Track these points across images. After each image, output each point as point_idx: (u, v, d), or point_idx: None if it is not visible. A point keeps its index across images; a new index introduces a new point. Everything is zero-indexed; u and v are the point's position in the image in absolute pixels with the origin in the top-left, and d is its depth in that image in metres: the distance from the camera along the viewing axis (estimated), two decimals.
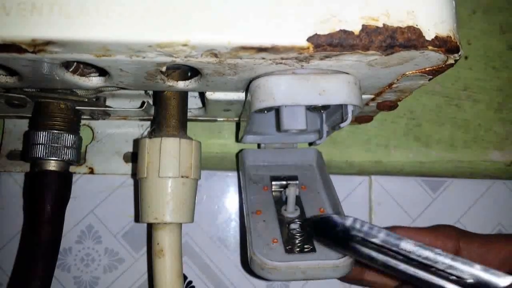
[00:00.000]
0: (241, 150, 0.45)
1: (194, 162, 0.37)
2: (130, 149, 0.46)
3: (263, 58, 0.27)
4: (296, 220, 0.37)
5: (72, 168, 0.41)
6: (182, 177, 0.36)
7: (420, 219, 0.49)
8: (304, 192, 0.42)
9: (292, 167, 0.45)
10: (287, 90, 0.30)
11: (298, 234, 0.36)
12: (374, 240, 0.28)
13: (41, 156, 0.37)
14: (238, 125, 0.49)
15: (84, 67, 0.32)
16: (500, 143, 0.52)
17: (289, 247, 0.35)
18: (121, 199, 0.46)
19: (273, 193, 0.42)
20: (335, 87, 0.30)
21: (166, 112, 0.37)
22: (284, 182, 0.42)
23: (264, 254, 0.33)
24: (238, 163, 0.46)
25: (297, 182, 0.42)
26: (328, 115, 0.39)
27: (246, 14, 0.25)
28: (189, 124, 0.39)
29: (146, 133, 0.47)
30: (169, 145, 0.36)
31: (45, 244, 0.36)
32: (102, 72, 0.31)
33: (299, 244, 0.35)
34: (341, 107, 0.33)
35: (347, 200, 0.49)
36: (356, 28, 0.26)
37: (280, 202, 0.41)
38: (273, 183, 0.42)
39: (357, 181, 0.49)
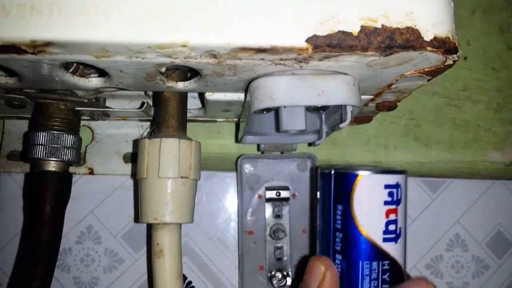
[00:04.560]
0: (240, 156, 0.45)
1: (193, 163, 0.37)
2: (130, 150, 0.47)
3: (262, 59, 0.27)
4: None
5: (72, 169, 0.41)
6: (181, 177, 0.36)
7: (419, 219, 0.50)
8: (293, 200, 0.47)
9: (287, 173, 0.47)
10: (286, 91, 0.30)
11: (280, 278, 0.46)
12: None
13: (41, 156, 0.37)
14: (237, 126, 0.49)
15: (84, 68, 0.33)
16: (499, 144, 0.52)
17: (271, 277, 0.45)
18: (121, 199, 0.46)
19: (266, 203, 0.47)
20: (334, 87, 0.30)
21: (165, 113, 0.38)
22: (276, 196, 0.46)
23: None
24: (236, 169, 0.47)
25: (289, 190, 0.47)
26: (327, 116, 0.39)
27: (245, 15, 0.25)
28: (188, 124, 0.39)
29: (145, 133, 0.47)
30: (169, 146, 0.36)
31: (45, 244, 0.36)
32: (101, 73, 0.31)
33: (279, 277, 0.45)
34: (340, 108, 0.33)
35: None
36: (355, 29, 0.26)
37: (271, 216, 0.46)
38: (267, 192, 0.46)
39: None
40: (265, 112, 0.34)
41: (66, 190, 0.39)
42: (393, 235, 0.30)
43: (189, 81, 0.33)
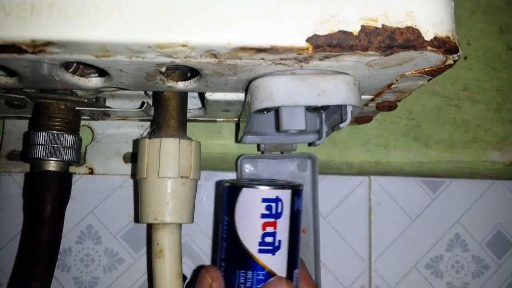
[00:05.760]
0: (240, 156, 0.45)
1: (193, 163, 0.37)
2: (130, 150, 0.47)
3: (263, 59, 0.27)
4: None
5: (72, 169, 0.41)
6: (181, 177, 0.36)
7: (419, 219, 0.50)
8: None
9: (287, 173, 0.47)
10: (286, 91, 0.30)
11: None
12: None
13: (41, 156, 0.37)
14: (237, 126, 0.49)
15: (84, 68, 0.33)
16: (499, 144, 0.52)
17: None
18: (121, 199, 0.46)
19: None
20: (334, 87, 0.30)
21: (165, 113, 0.38)
22: None
23: None
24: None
25: None
26: (327, 116, 0.39)
27: (245, 15, 0.25)
28: (188, 124, 0.39)
29: (145, 133, 0.47)
30: (169, 146, 0.36)
31: (45, 244, 0.36)
32: (102, 72, 0.31)
33: None
34: (341, 108, 0.33)
35: (347, 201, 0.49)
36: (355, 29, 0.26)
37: None
38: None
39: (357, 181, 0.49)
40: (265, 112, 0.34)
41: (66, 190, 0.39)
42: (270, 247, 0.31)
43: (189, 81, 0.33)
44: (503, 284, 0.51)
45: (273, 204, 0.31)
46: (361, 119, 0.45)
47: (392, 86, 0.33)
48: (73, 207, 0.44)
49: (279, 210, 0.31)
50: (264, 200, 0.31)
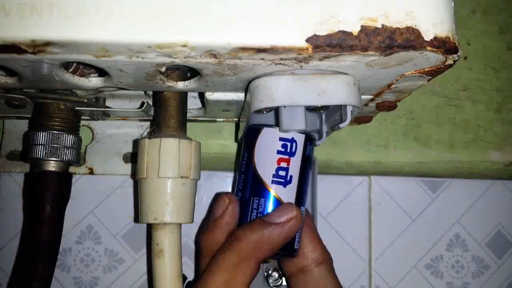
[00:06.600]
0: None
1: (193, 163, 0.37)
2: (130, 150, 0.47)
3: (262, 59, 0.27)
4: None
5: (71, 169, 0.41)
6: (181, 177, 0.36)
7: (419, 219, 0.50)
8: None
9: None
10: (286, 91, 0.30)
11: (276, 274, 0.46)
12: None
13: (41, 156, 0.37)
14: (237, 125, 0.49)
15: (84, 68, 0.33)
16: (499, 144, 0.52)
17: (267, 276, 0.46)
18: (121, 199, 0.46)
19: None
20: (334, 87, 0.30)
21: (165, 113, 0.38)
22: None
23: None
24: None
25: None
26: (327, 116, 0.39)
27: (245, 15, 0.25)
28: (188, 124, 0.39)
29: (145, 133, 0.47)
30: (169, 146, 0.36)
31: (45, 244, 0.36)
32: (101, 72, 0.31)
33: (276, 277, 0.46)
34: (340, 108, 0.33)
35: (347, 200, 0.49)
36: (355, 29, 0.26)
37: None
38: None
39: (357, 181, 0.49)
40: (265, 112, 0.34)
41: (66, 190, 0.39)
42: (282, 180, 0.35)
43: (189, 81, 0.33)
44: (503, 284, 0.51)
45: (289, 144, 0.35)
46: (361, 119, 0.45)
47: (392, 86, 0.33)
48: (73, 207, 0.44)
49: (293, 150, 0.36)
50: (281, 139, 0.35)
